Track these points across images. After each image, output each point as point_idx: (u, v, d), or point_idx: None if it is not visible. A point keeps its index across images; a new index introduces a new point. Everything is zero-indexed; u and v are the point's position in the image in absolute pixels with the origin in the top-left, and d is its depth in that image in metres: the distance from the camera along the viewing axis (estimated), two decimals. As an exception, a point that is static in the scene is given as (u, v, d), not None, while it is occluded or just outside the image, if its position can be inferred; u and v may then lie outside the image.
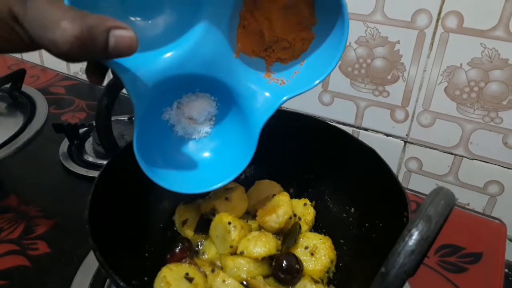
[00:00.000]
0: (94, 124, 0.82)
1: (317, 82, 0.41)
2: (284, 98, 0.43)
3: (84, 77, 1.14)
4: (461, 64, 0.63)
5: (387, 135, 0.75)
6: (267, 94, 0.43)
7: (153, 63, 0.37)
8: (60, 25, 0.26)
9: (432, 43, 0.64)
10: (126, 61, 0.35)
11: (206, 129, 0.45)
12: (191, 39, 0.38)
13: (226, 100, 0.43)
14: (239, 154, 0.43)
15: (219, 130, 0.45)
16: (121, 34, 0.27)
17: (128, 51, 0.28)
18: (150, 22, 0.37)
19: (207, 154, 0.45)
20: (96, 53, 0.28)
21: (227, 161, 0.44)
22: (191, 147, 0.45)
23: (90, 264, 0.54)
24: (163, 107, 0.43)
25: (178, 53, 0.38)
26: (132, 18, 0.36)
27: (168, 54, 0.37)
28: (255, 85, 0.43)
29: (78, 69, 1.15)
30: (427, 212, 0.30)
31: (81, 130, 0.81)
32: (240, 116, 0.43)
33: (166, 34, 0.37)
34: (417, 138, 0.72)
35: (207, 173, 0.44)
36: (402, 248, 0.29)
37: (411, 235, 0.29)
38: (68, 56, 0.28)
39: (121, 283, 0.34)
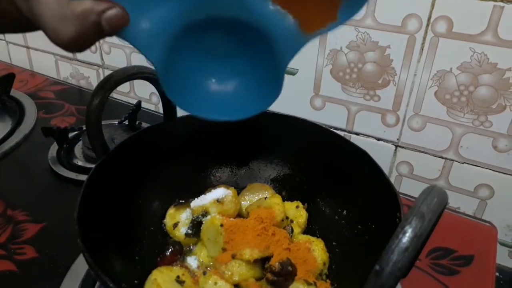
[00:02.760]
0: (84, 128, 0.81)
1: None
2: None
3: (74, 81, 1.13)
4: (451, 69, 0.64)
5: (378, 139, 0.75)
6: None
7: (157, 17, 0.35)
8: None
9: (422, 48, 0.65)
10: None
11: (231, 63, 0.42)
12: None
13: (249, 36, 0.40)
14: (266, 91, 0.41)
15: (243, 65, 0.42)
16: (110, 15, 0.27)
17: (121, 27, 0.29)
18: None
19: (232, 86, 0.42)
20: (92, 41, 0.28)
21: (254, 96, 0.42)
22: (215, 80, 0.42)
23: (79, 269, 0.53)
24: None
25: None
26: None
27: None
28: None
29: (67, 74, 1.14)
30: (420, 210, 0.30)
31: (71, 134, 0.80)
32: (265, 50, 0.41)
33: None
34: (408, 142, 0.73)
35: (233, 104, 0.42)
36: (396, 245, 0.29)
37: (405, 232, 0.29)
38: (67, 48, 0.28)
39: (111, 284, 0.34)
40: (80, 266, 0.53)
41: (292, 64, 0.70)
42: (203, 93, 0.42)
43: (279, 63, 0.40)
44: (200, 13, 0.35)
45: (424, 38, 0.64)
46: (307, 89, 0.77)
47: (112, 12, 0.28)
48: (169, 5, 0.34)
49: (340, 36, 0.70)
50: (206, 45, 0.40)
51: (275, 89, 0.40)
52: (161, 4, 0.34)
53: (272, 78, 0.40)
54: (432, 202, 0.30)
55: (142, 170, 0.53)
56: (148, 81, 0.52)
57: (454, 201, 0.72)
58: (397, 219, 0.41)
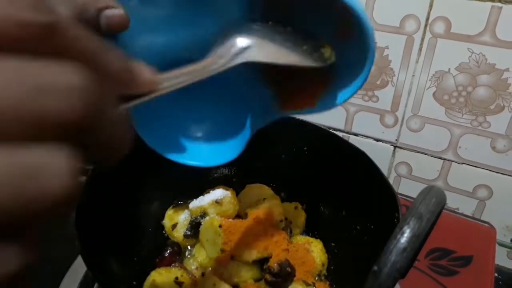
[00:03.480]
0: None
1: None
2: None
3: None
4: (449, 69, 0.64)
5: (377, 140, 0.75)
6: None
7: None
8: None
9: (420, 48, 0.65)
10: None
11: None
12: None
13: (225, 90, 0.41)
14: (233, 143, 0.42)
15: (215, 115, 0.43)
16: (112, 14, 0.27)
17: (119, 27, 0.28)
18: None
19: (202, 134, 0.43)
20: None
21: (222, 145, 0.43)
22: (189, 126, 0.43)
23: (78, 269, 0.53)
24: None
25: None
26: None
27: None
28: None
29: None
30: (418, 210, 0.30)
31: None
32: (237, 108, 0.42)
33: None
34: (406, 143, 0.73)
35: (203, 151, 0.42)
36: (394, 246, 0.29)
37: (403, 233, 0.29)
38: None
39: (108, 285, 0.33)
40: (79, 267, 0.53)
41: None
42: (172, 135, 0.42)
43: (248, 126, 0.40)
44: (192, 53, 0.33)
45: (422, 39, 0.64)
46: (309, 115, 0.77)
47: (115, 11, 0.27)
48: (172, 34, 0.34)
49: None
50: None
51: (237, 148, 0.41)
52: (166, 32, 0.34)
53: (239, 137, 0.41)
54: (431, 203, 0.30)
55: (140, 171, 0.52)
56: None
57: (453, 201, 0.72)
58: (395, 220, 0.41)
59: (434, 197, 0.31)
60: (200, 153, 0.42)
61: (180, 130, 0.42)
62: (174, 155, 0.40)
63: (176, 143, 0.41)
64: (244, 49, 0.29)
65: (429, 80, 0.66)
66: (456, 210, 0.72)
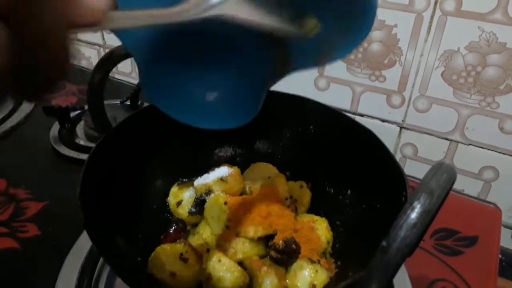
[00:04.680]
0: (86, 108, 0.81)
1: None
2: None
3: (75, 62, 1.12)
4: (458, 48, 0.63)
5: (383, 120, 0.74)
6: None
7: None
8: None
9: (430, 27, 0.63)
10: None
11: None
12: None
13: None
14: (247, 105, 0.42)
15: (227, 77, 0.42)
16: None
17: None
18: None
19: (214, 97, 0.42)
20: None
21: (236, 108, 0.42)
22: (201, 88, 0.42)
23: (82, 246, 0.53)
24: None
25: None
26: None
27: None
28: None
29: (69, 54, 1.12)
30: (429, 185, 0.29)
31: (72, 114, 0.80)
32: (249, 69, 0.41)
33: None
34: (413, 124, 0.72)
35: (217, 115, 0.42)
36: (404, 221, 0.28)
37: (413, 208, 0.28)
38: None
39: (113, 261, 0.33)
40: (83, 244, 0.53)
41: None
42: (185, 99, 0.41)
43: (261, 88, 0.39)
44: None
45: (432, 17, 0.63)
46: (311, 70, 0.76)
47: None
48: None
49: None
50: (194, 49, 0.38)
51: (252, 110, 0.40)
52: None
53: (252, 100, 0.40)
54: (442, 178, 0.30)
55: (144, 148, 0.52)
56: (150, 57, 0.51)
57: (458, 183, 0.71)
58: (403, 198, 0.41)
59: (445, 172, 0.30)
60: (214, 116, 0.41)
61: (193, 94, 0.41)
62: (188, 118, 0.39)
63: (189, 107, 0.41)
64: (222, 3, 0.28)
65: (438, 59, 0.65)
66: (461, 192, 0.71)
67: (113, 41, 1.01)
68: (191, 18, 0.27)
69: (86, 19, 0.20)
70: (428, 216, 0.29)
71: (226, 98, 0.42)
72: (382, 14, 0.66)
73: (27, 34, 0.16)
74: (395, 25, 0.66)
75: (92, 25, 0.20)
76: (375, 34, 0.67)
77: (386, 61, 0.69)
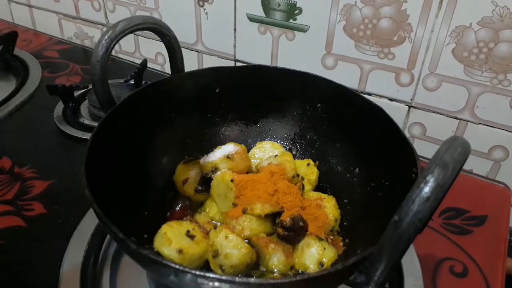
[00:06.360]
0: (90, 87, 0.80)
1: None
2: None
3: (78, 41, 1.11)
4: (470, 24, 0.61)
5: (391, 99, 0.73)
6: None
7: None
8: None
9: (441, 2, 0.61)
10: None
11: None
12: None
13: None
14: None
15: None
16: None
17: None
18: None
19: None
20: None
21: None
22: None
23: (87, 224, 0.53)
24: None
25: None
26: None
27: None
28: None
29: (71, 34, 1.11)
30: (443, 159, 0.28)
31: (76, 93, 0.79)
32: None
33: None
34: (421, 103, 0.70)
35: None
36: (417, 195, 0.28)
37: (427, 182, 0.27)
38: None
39: (120, 235, 0.33)
40: (89, 222, 0.53)
41: (303, 20, 0.68)
42: None
43: None
44: None
45: (444, -9, 0.61)
46: (318, 47, 0.74)
47: None
48: None
49: (355, -10, 0.67)
50: None
51: None
52: None
53: None
54: (456, 151, 0.29)
55: (149, 125, 0.51)
56: (154, 32, 0.50)
57: (467, 163, 0.70)
58: (413, 175, 0.40)
59: (460, 146, 0.29)
60: None
61: None
62: None
63: None
64: None
65: (449, 35, 0.63)
66: (470, 172, 0.70)
67: (117, 20, 0.99)
68: None
69: None
70: (442, 190, 0.28)
71: None
72: (392, -11, 0.64)
73: None
74: (405, 0, 0.64)
75: None
76: (384, 10, 0.65)
77: (395, 38, 0.67)
